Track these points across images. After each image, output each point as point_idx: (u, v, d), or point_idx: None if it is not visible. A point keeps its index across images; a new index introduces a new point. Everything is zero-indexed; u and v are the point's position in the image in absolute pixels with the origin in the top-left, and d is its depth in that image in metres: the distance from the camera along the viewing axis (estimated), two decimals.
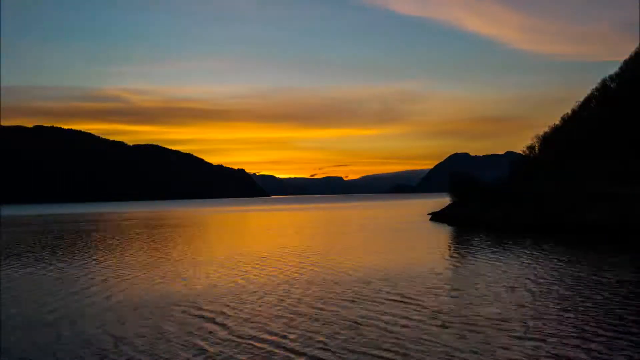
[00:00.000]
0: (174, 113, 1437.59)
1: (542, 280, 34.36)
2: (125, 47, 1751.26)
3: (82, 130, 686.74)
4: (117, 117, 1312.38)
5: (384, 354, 19.78)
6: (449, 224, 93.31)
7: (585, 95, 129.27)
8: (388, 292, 31.42)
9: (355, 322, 24.48)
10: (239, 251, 56.37)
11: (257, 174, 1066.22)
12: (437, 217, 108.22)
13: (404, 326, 23.51)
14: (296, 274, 39.24)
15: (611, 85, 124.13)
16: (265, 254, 52.54)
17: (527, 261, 43.80)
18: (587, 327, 22.71)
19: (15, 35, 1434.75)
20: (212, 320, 25.37)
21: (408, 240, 65.79)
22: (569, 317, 24.46)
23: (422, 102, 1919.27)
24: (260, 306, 28.46)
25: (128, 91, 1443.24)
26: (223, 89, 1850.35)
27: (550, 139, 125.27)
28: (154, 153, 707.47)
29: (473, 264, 43.59)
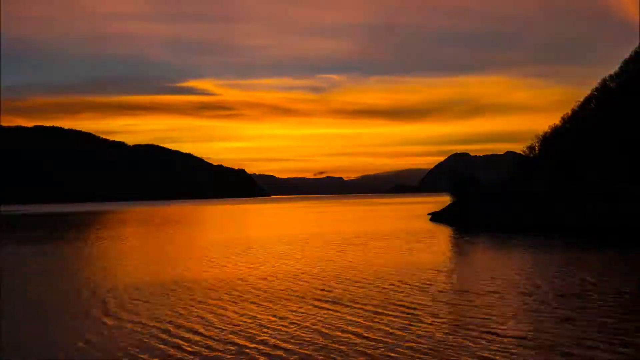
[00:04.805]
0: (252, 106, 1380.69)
1: (541, 281, 34.33)
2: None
3: (82, 130, 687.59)
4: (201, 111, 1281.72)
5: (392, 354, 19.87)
6: (449, 224, 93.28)
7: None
8: (389, 292, 31.47)
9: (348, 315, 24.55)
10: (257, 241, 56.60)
11: (257, 174, 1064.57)
12: (437, 217, 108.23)
13: (404, 329, 23.64)
14: (291, 273, 39.40)
15: (611, 85, 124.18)
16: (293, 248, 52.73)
17: (527, 261, 43.79)
18: (587, 329, 22.72)
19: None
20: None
21: (408, 240, 65.69)
22: (569, 319, 24.47)
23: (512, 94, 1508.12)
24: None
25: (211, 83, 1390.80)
26: (300, 82, 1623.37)
27: (550, 139, 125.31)
28: (153, 153, 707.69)
29: (473, 265, 43.58)
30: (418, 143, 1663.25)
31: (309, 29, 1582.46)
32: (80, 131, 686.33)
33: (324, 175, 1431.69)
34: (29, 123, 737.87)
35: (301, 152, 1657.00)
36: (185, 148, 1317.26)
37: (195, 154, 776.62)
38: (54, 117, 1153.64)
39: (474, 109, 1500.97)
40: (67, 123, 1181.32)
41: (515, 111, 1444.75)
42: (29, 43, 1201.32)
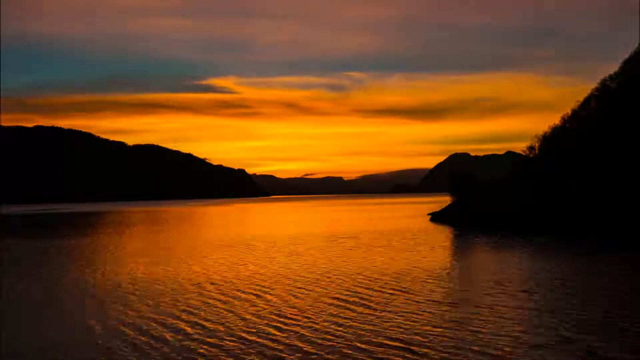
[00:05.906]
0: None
1: (540, 280, 34.34)
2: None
3: (82, 130, 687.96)
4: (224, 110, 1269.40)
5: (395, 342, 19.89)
6: (449, 224, 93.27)
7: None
8: (390, 293, 31.52)
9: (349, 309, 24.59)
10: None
11: (257, 174, 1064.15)
12: (436, 217, 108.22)
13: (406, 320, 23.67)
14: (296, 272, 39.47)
15: (611, 85, 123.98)
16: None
17: (526, 261, 43.79)
18: (587, 327, 22.73)
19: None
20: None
21: (408, 240, 65.71)
22: (572, 318, 24.48)
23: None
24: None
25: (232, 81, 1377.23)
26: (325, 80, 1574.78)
27: (550, 139, 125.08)
28: (154, 153, 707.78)
29: (473, 266, 43.55)
30: (433, 142, 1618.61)
31: (331, 25, 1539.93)
32: (80, 131, 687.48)
33: (315, 177, 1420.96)
34: (46, 122, 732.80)
35: (307, 151, 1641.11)
36: (198, 147, 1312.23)
37: (205, 154, 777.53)
38: (73, 116, 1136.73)
39: (495, 107, 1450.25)
40: (85, 122, 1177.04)
41: (536, 109, 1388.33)
42: (47, 40, 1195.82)
